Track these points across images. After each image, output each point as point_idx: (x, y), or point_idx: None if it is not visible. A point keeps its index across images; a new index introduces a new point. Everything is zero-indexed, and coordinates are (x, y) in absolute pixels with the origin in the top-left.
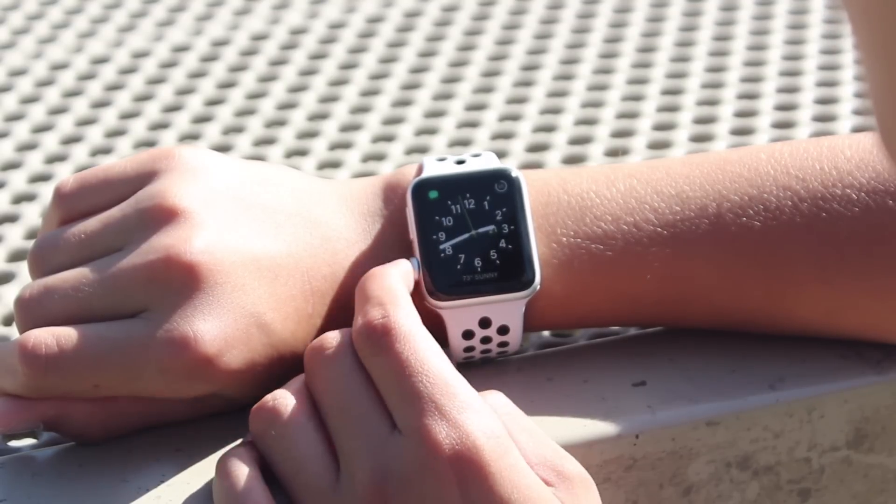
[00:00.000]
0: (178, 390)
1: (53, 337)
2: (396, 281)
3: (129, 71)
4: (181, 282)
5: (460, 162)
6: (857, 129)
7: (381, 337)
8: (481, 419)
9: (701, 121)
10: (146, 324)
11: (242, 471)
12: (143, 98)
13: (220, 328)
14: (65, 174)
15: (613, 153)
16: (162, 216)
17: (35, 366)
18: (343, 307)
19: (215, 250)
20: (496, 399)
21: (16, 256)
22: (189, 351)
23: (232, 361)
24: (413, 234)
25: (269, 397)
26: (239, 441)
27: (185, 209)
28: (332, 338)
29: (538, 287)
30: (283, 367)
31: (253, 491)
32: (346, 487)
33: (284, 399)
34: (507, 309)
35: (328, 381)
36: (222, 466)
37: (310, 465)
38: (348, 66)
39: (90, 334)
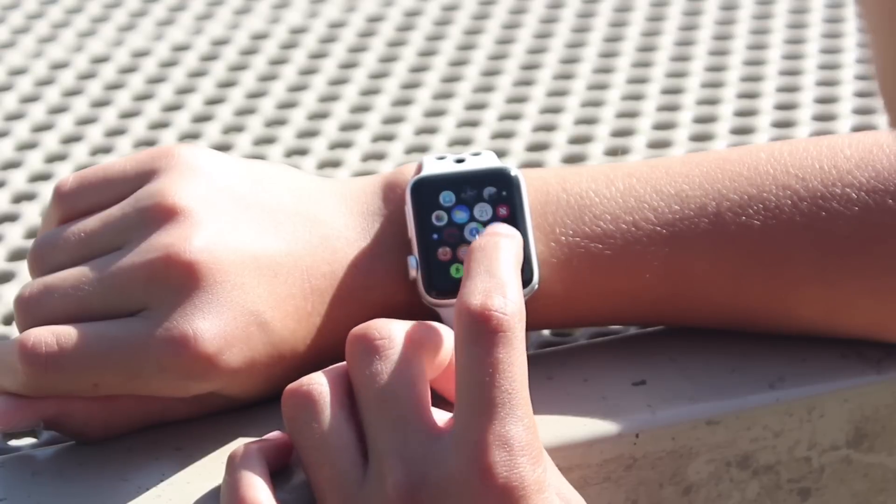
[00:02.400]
0: (177, 389)
1: (53, 336)
2: (517, 269)
3: (129, 70)
4: (181, 280)
5: (460, 161)
6: (856, 129)
7: (491, 331)
8: (532, 453)
9: (701, 120)
10: (146, 322)
11: (249, 469)
12: (143, 97)
13: (219, 327)
14: (65, 173)
15: (613, 152)
16: (161, 215)
17: (35, 364)
18: (343, 305)
19: (215, 249)
20: None
21: (16, 256)
22: (189, 349)
23: (231, 360)
24: (412, 232)
25: (304, 379)
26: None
27: (185, 208)
28: (380, 327)
29: (536, 286)
30: (283, 365)
31: (255, 491)
32: (374, 486)
33: (320, 385)
34: None
35: (370, 373)
36: (231, 461)
37: (337, 458)
38: (348, 65)
39: (90, 333)
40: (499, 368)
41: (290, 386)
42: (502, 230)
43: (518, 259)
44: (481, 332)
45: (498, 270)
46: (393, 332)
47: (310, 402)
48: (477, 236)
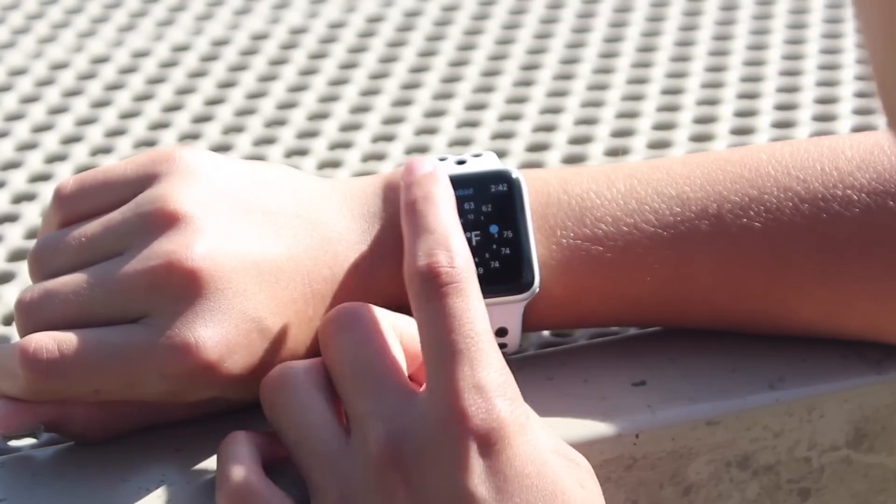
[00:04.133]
0: (178, 395)
1: (54, 341)
2: (455, 217)
3: (129, 70)
4: (182, 288)
5: (461, 162)
6: (857, 129)
7: (443, 285)
8: (508, 393)
9: (701, 121)
10: (147, 330)
11: (238, 451)
12: (143, 98)
13: (221, 334)
14: (65, 174)
15: (613, 153)
16: (163, 221)
17: (36, 370)
18: None
19: (216, 256)
20: None
21: (16, 256)
22: (190, 357)
23: (233, 367)
24: None
25: (278, 367)
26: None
27: (186, 214)
28: (347, 307)
29: (537, 289)
30: None
31: (245, 470)
32: (357, 449)
33: (293, 368)
34: (507, 311)
35: (342, 348)
36: (221, 448)
37: (317, 432)
38: (348, 65)
39: (91, 339)
40: (457, 316)
41: (266, 376)
42: (425, 174)
43: (452, 201)
44: (433, 288)
45: (436, 224)
46: (360, 310)
47: (285, 385)
48: (476, 239)
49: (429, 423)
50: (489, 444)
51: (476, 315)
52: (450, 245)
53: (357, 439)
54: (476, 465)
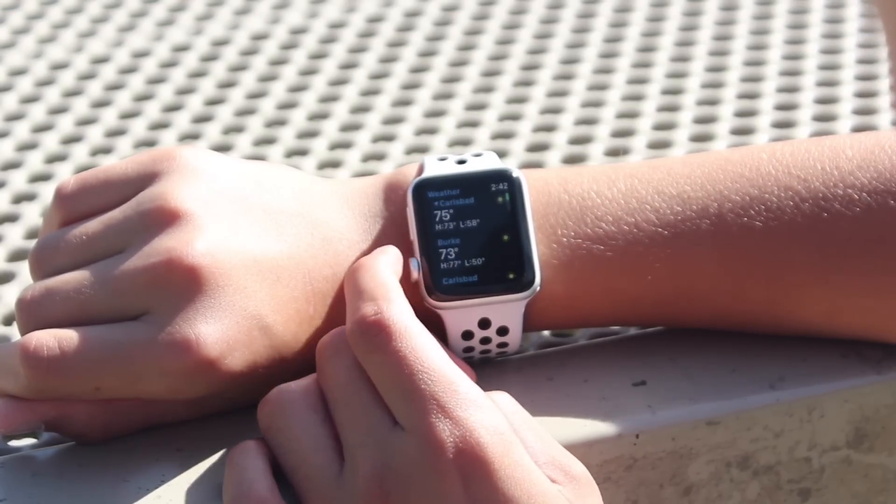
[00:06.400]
0: (179, 392)
1: (55, 339)
2: (386, 273)
3: (129, 70)
4: (183, 284)
5: (461, 162)
6: (857, 129)
7: (376, 334)
8: (484, 415)
9: (701, 121)
10: (148, 326)
11: (249, 462)
12: (144, 98)
13: (221, 331)
14: (65, 174)
15: (614, 153)
16: (163, 218)
17: (37, 368)
18: (344, 308)
19: (217, 252)
20: (502, 399)
21: (16, 256)
22: (191, 354)
23: (234, 364)
24: (413, 234)
25: (275, 389)
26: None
27: (187, 211)
28: (341, 331)
29: (538, 288)
30: (285, 368)
31: (257, 482)
32: (349, 480)
33: (290, 392)
34: (507, 310)
35: (333, 375)
36: (231, 457)
37: (312, 458)
38: (348, 65)
39: (92, 336)
40: (402, 359)
41: (264, 398)
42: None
43: (385, 262)
44: (367, 340)
45: (364, 285)
46: None
47: (281, 409)
48: (476, 239)
49: (410, 459)
50: (472, 473)
51: (422, 350)
52: (376, 296)
53: (349, 470)
54: (461, 498)
